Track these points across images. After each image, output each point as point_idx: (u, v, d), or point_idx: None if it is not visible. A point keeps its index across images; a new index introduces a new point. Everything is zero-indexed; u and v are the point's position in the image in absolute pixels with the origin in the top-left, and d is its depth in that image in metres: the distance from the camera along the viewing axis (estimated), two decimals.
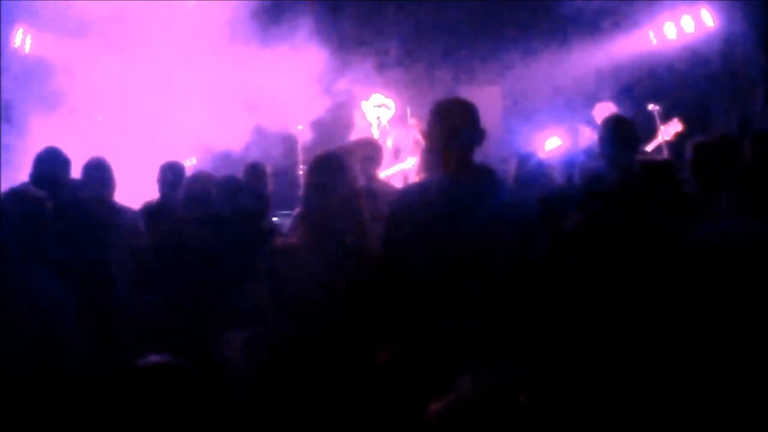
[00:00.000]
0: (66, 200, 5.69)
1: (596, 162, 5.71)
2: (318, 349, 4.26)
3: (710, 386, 3.79)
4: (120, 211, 6.54)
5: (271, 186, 8.11)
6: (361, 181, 4.66)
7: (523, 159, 6.19)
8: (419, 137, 9.50)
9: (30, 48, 10.39)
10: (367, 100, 10.50)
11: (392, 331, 4.21)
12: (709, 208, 4.77)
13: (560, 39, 12.20)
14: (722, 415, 3.75)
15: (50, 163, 6.35)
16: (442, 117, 4.29)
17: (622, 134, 5.77)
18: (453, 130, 4.23)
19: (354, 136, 9.63)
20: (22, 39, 10.30)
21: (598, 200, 4.63)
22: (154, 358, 3.47)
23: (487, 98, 11.70)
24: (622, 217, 4.18)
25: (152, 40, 9.86)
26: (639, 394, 3.81)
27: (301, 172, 9.74)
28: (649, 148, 8.90)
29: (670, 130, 9.08)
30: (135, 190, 7.49)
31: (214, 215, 5.86)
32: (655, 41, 11.60)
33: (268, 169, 8.11)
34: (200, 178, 6.25)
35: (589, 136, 9.47)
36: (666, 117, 9.24)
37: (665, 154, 8.86)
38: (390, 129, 10.40)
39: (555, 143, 9.60)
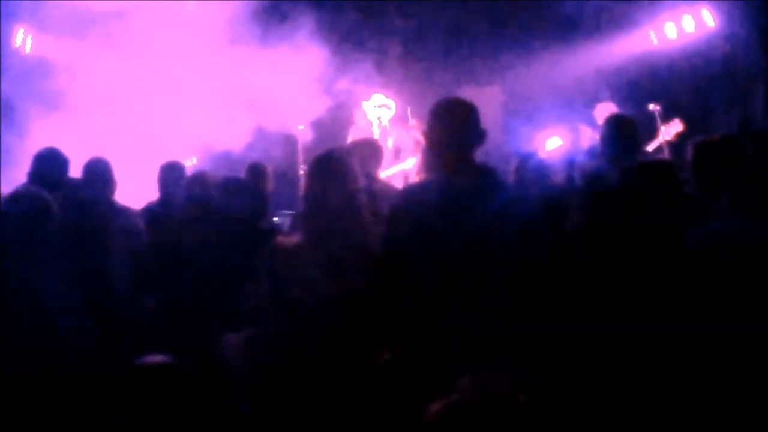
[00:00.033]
0: (65, 200, 5.69)
1: (597, 162, 5.71)
2: (318, 349, 4.25)
3: (710, 386, 3.79)
4: (120, 211, 6.54)
5: (272, 186, 8.12)
6: (362, 181, 4.64)
7: (524, 159, 6.19)
8: (420, 137, 9.48)
9: (30, 48, 10.40)
10: (367, 100, 10.50)
11: (392, 331, 4.21)
12: (709, 208, 4.77)
13: (561, 39, 12.20)
14: (722, 415, 3.75)
15: (50, 163, 6.36)
16: (442, 117, 4.29)
17: (624, 134, 5.78)
18: (453, 131, 4.24)
19: (354, 136, 9.62)
20: (22, 39, 10.31)
21: (599, 200, 4.63)
22: (153, 358, 3.47)
23: (487, 98, 11.71)
24: (623, 217, 4.18)
25: (152, 40, 9.86)
26: (639, 393, 3.81)
27: (301, 172, 9.74)
28: (650, 148, 8.90)
29: (670, 130, 9.08)
30: (136, 190, 7.50)
31: (213, 215, 5.86)
32: (655, 41, 11.60)
33: (269, 170, 8.13)
34: (199, 178, 6.24)
35: (589, 136, 9.48)
36: (666, 117, 9.23)
37: (666, 154, 8.86)
38: (390, 129, 10.39)
39: (556, 143, 9.60)
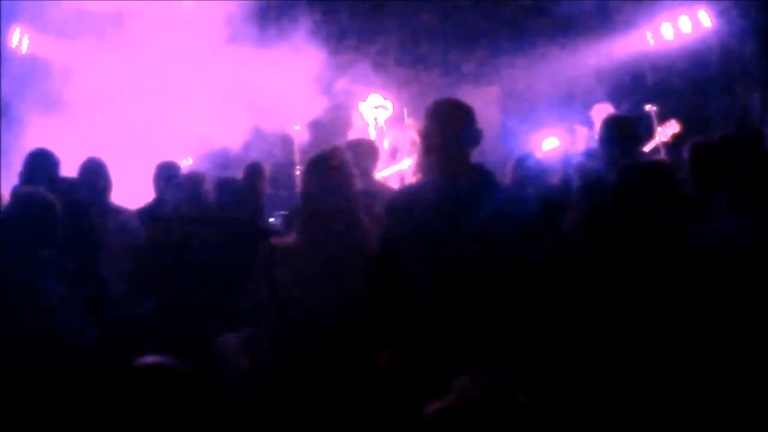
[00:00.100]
0: (60, 200, 5.68)
1: (594, 162, 5.71)
2: (317, 349, 4.26)
3: (710, 386, 3.79)
4: (116, 212, 6.52)
5: (269, 186, 8.11)
6: (358, 182, 4.65)
7: (521, 159, 6.20)
8: (416, 138, 9.48)
9: (27, 48, 10.37)
10: (364, 101, 10.50)
11: (392, 331, 4.21)
12: (708, 208, 4.78)
13: (558, 40, 12.22)
14: (722, 415, 3.75)
15: (40, 163, 6.32)
16: (438, 118, 4.29)
17: (623, 134, 5.78)
18: (450, 131, 4.24)
19: (351, 136, 9.62)
20: (19, 39, 10.28)
21: (597, 200, 4.64)
22: (152, 359, 3.47)
23: (484, 99, 11.74)
24: (622, 217, 4.18)
25: (150, 40, 9.85)
26: (639, 393, 3.81)
27: (298, 173, 9.74)
28: (647, 148, 8.90)
29: (667, 131, 9.08)
30: (132, 190, 7.49)
31: (207, 215, 5.87)
32: (652, 42, 11.61)
33: (266, 170, 8.12)
34: (191, 178, 6.24)
35: (586, 137, 9.49)
36: (663, 118, 9.24)
37: (662, 155, 8.86)
38: (387, 129, 10.40)
39: (552, 144, 9.61)
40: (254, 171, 8.05)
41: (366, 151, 6.80)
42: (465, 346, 3.91)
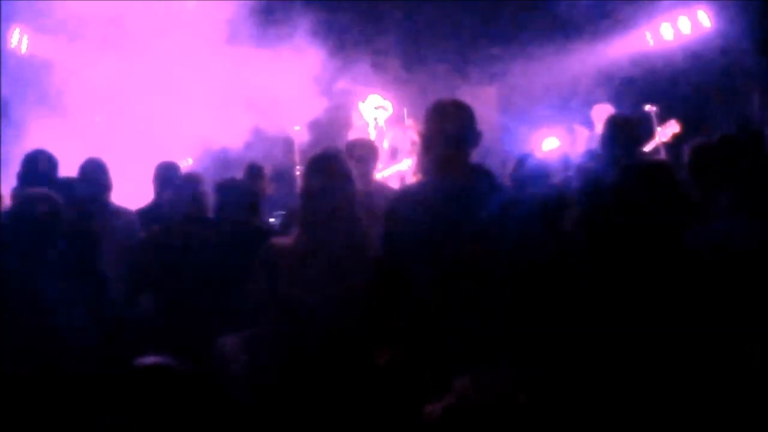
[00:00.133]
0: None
1: (594, 162, 5.72)
2: (317, 349, 4.26)
3: (710, 386, 3.79)
4: (116, 212, 6.53)
5: (269, 186, 8.13)
6: (358, 182, 4.65)
7: (521, 160, 6.20)
8: (416, 138, 9.49)
9: (27, 48, 10.37)
10: (364, 101, 10.51)
11: (392, 331, 4.21)
12: (708, 208, 4.78)
13: (557, 40, 12.21)
14: (722, 415, 3.75)
15: (38, 164, 6.32)
16: (438, 118, 4.29)
17: (625, 134, 5.78)
18: (449, 132, 4.24)
19: (351, 136, 9.62)
20: (18, 39, 10.28)
21: (597, 200, 4.63)
22: (152, 359, 3.48)
23: (484, 99, 11.75)
24: (622, 217, 4.18)
25: (150, 40, 9.84)
26: (639, 393, 3.81)
27: (298, 173, 9.75)
28: (647, 149, 8.90)
29: (667, 132, 9.08)
30: (133, 190, 7.49)
31: (204, 215, 5.87)
32: (652, 42, 11.61)
33: (267, 170, 8.14)
34: (190, 178, 6.24)
35: (586, 137, 9.50)
36: (663, 118, 9.24)
37: (662, 154, 8.87)
38: (387, 129, 10.40)
39: (552, 144, 9.62)
40: (254, 171, 8.07)
41: (366, 152, 6.80)
42: (465, 346, 3.91)
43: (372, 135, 10.05)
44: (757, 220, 4.25)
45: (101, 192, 6.54)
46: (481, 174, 4.30)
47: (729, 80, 10.97)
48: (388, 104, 10.50)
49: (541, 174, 5.88)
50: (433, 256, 4.10)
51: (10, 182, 6.45)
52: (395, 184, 8.88)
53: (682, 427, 3.76)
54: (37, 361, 4.25)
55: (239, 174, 7.88)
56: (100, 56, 10.29)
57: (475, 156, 4.38)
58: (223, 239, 5.65)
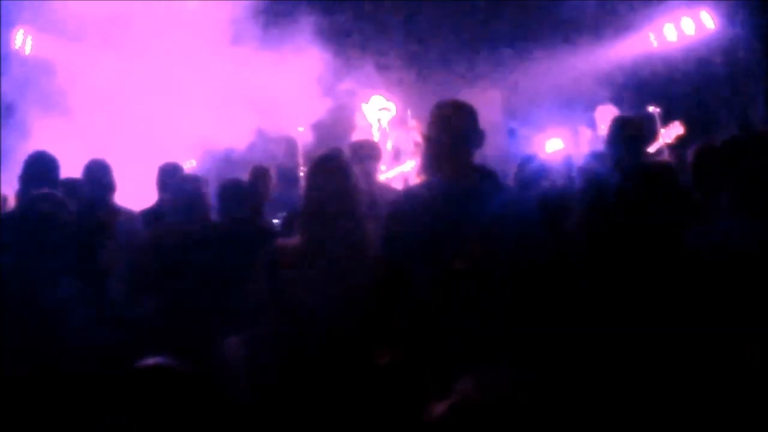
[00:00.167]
0: None
1: (598, 163, 5.72)
2: (318, 350, 4.26)
3: (710, 386, 3.79)
4: (120, 213, 6.53)
5: (274, 188, 8.13)
6: (361, 183, 4.65)
7: (524, 161, 6.21)
8: (419, 139, 9.49)
9: (31, 49, 10.39)
10: (367, 102, 10.51)
11: (392, 331, 4.22)
12: (709, 208, 4.77)
13: (561, 41, 12.20)
14: (722, 415, 3.75)
15: (40, 166, 6.31)
16: (441, 119, 4.30)
17: (630, 135, 5.77)
18: (453, 133, 4.25)
19: (354, 137, 9.63)
20: (22, 40, 10.30)
21: (599, 201, 4.63)
22: (153, 360, 3.48)
23: (487, 100, 11.72)
24: (623, 217, 4.18)
25: (153, 41, 9.86)
26: (639, 393, 3.81)
27: (301, 174, 9.75)
28: (650, 150, 8.89)
29: (671, 133, 9.07)
30: (136, 191, 7.50)
31: (205, 216, 5.88)
32: (655, 43, 11.60)
33: (271, 171, 8.14)
34: (190, 180, 6.24)
35: (589, 139, 9.50)
36: (666, 119, 9.23)
37: (666, 156, 8.86)
38: (390, 131, 10.40)
39: (556, 145, 9.61)
40: (259, 172, 8.08)
41: (369, 153, 6.82)
42: (465, 346, 3.92)
43: (375, 136, 10.05)
44: (757, 220, 4.25)
45: (105, 193, 6.56)
46: (485, 175, 4.31)
47: (732, 81, 10.96)
48: (391, 105, 10.50)
49: (544, 175, 5.89)
50: (435, 257, 4.11)
51: (15, 183, 6.45)
52: (398, 185, 8.87)
53: (682, 427, 3.76)
54: (38, 361, 4.26)
55: (242, 175, 7.89)
56: (103, 57, 10.31)
57: (479, 157, 4.39)
58: (224, 239, 5.65)
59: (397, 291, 4.19)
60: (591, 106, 10.17)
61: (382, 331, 4.22)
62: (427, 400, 3.13)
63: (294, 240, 4.54)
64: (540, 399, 3.23)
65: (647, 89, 11.25)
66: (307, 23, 10.28)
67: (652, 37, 11.61)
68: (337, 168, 4.53)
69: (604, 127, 9.02)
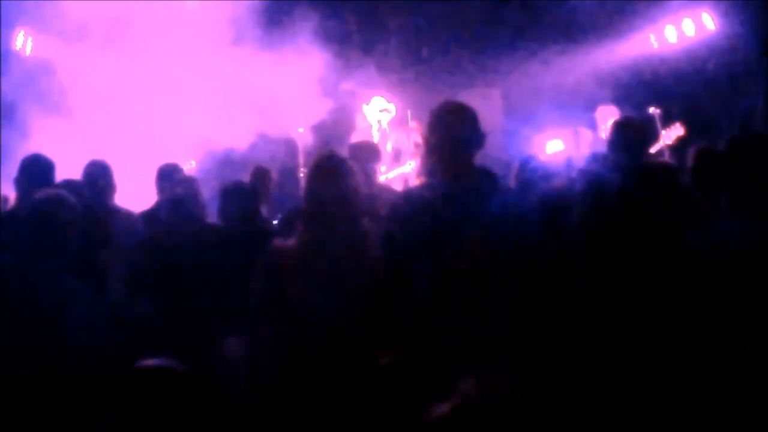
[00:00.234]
0: None
1: (600, 164, 5.72)
2: (318, 350, 4.26)
3: (710, 386, 3.79)
4: (120, 214, 6.53)
5: (275, 189, 8.13)
6: (361, 184, 4.65)
7: (525, 162, 6.21)
8: (420, 140, 9.49)
9: (31, 50, 10.39)
10: (368, 103, 10.50)
11: (392, 331, 4.21)
12: (709, 208, 4.78)
13: (561, 42, 12.19)
14: (722, 414, 3.75)
15: (35, 169, 6.29)
16: (442, 120, 4.30)
17: (632, 137, 5.77)
18: (453, 134, 4.25)
19: (355, 138, 9.63)
20: (23, 41, 10.30)
21: (599, 201, 4.64)
22: (153, 361, 3.48)
23: (487, 101, 11.73)
24: (623, 218, 4.18)
25: (153, 41, 9.85)
26: (639, 393, 3.81)
27: (302, 175, 9.75)
28: (651, 151, 8.89)
29: (671, 134, 9.07)
30: (136, 192, 7.50)
31: (201, 218, 5.89)
32: (656, 45, 11.60)
33: (273, 173, 8.15)
34: (181, 182, 6.24)
35: (590, 140, 9.49)
36: (667, 120, 9.23)
37: (667, 157, 8.86)
38: (390, 132, 10.40)
39: (557, 146, 9.60)
40: (260, 173, 8.08)
41: (369, 154, 6.82)
42: (465, 346, 3.91)
43: (375, 137, 10.05)
44: (757, 220, 4.25)
45: (105, 194, 6.55)
46: (485, 176, 4.31)
47: (734, 83, 10.96)
48: (391, 106, 10.50)
49: (544, 176, 5.89)
50: (435, 257, 4.11)
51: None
52: (399, 187, 8.87)
53: (682, 426, 3.77)
54: (38, 360, 4.26)
55: (243, 176, 7.89)
56: (103, 57, 10.31)
57: (479, 158, 4.39)
58: (224, 240, 5.65)
59: (397, 291, 4.19)
60: (591, 106, 10.17)
61: (382, 331, 4.22)
62: (428, 400, 3.13)
63: (294, 240, 4.54)
64: (540, 399, 3.23)
65: (648, 90, 11.24)
66: (307, 24, 10.28)
67: (652, 38, 11.60)
68: (337, 169, 4.52)
69: (604, 128, 9.04)
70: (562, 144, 9.71)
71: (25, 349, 4.32)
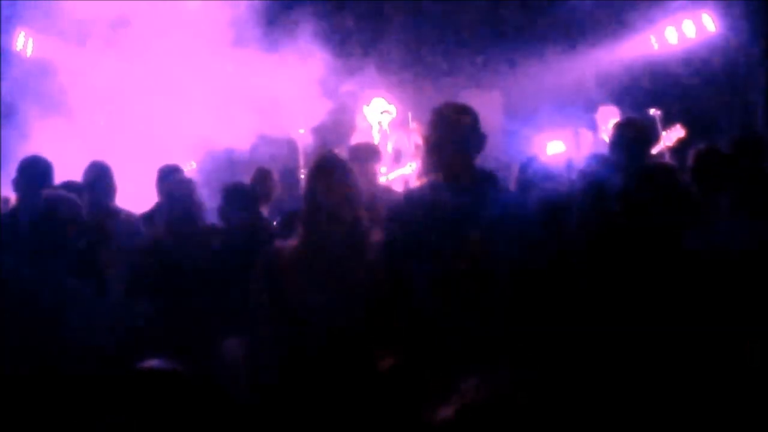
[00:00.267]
0: None
1: (602, 165, 5.71)
2: (318, 351, 4.26)
3: (710, 386, 3.79)
4: (120, 215, 6.54)
5: (277, 190, 8.13)
6: (361, 185, 4.64)
7: (525, 163, 6.20)
8: (420, 141, 9.48)
9: (32, 51, 10.39)
10: (368, 105, 10.49)
11: (393, 332, 4.21)
12: (709, 208, 4.78)
13: (561, 43, 12.20)
14: (722, 414, 3.75)
15: (32, 170, 6.29)
16: (443, 121, 4.31)
17: (634, 138, 5.77)
18: (454, 135, 4.25)
19: (355, 140, 9.62)
20: (24, 42, 10.30)
21: (599, 202, 4.64)
22: (153, 362, 3.48)
23: (488, 102, 11.71)
24: (623, 218, 4.18)
25: (154, 42, 9.86)
26: (639, 393, 3.81)
27: (302, 176, 9.74)
28: (651, 152, 8.88)
29: (672, 136, 9.07)
30: (137, 192, 7.50)
31: (198, 219, 5.89)
32: (656, 46, 11.60)
33: (275, 174, 8.15)
34: (177, 184, 6.23)
35: (590, 141, 9.48)
36: (667, 122, 9.22)
37: (667, 159, 8.85)
38: (391, 133, 10.39)
39: (557, 147, 9.59)
40: (261, 174, 8.08)
41: (369, 155, 6.81)
42: (465, 346, 3.91)
43: (376, 138, 10.04)
44: (757, 221, 4.26)
45: (105, 195, 6.55)
46: (486, 177, 4.31)
47: (734, 84, 10.96)
48: (392, 108, 10.47)
49: (545, 177, 5.87)
50: (435, 258, 4.11)
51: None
52: (399, 188, 8.87)
53: (682, 426, 3.76)
54: (38, 361, 4.26)
55: (243, 176, 7.89)
56: (104, 58, 10.31)
57: (480, 159, 4.39)
58: (224, 241, 5.65)
59: (398, 291, 4.19)
60: (592, 107, 10.16)
61: (383, 331, 4.22)
62: (428, 401, 3.13)
63: (293, 241, 4.54)
64: (540, 399, 3.23)
65: (648, 92, 11.24)
66: (308, 25, 10.28)
67: (653, 39, 11.60)
68: (338, 170, 4.52)
69: (605, 129, 9.04)
70: (562, 145, 9.69)
71: (25, 349, 4.32)
